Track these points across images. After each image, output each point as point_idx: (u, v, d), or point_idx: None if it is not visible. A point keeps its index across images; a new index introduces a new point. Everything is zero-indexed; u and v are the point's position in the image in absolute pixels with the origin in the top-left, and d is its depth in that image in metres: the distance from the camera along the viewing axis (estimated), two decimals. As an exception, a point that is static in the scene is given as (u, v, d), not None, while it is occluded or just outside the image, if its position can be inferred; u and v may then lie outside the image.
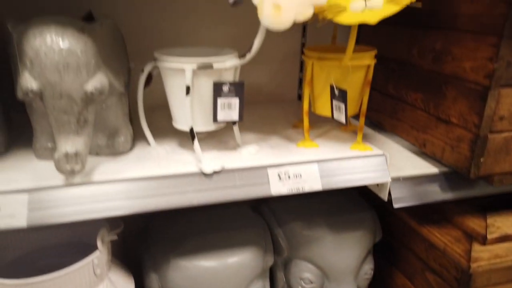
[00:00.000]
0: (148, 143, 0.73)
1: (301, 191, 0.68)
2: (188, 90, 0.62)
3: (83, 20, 0.63)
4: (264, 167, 0.67)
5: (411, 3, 0.57)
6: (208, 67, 0.62)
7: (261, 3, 0.53)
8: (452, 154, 0.76)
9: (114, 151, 0.68)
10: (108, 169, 0.63)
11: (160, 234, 0.82)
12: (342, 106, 0.72)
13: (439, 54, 0.76)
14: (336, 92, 0.73)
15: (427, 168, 0.80)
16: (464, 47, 0.70)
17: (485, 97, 0.67)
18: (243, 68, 0.69)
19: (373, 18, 0.56)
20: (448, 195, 0.79)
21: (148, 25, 0.90)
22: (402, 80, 0.88)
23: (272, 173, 0.67)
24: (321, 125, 0.90)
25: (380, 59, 0.90)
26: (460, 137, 0.73)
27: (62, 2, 0.81)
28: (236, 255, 0.78)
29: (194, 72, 0.62)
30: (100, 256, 0.64)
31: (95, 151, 0.68)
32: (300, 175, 0.69)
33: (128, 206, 0.59)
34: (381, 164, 0.74)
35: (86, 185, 0.59)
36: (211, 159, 0.67)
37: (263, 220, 0.90)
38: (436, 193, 0.79)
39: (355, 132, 0.86)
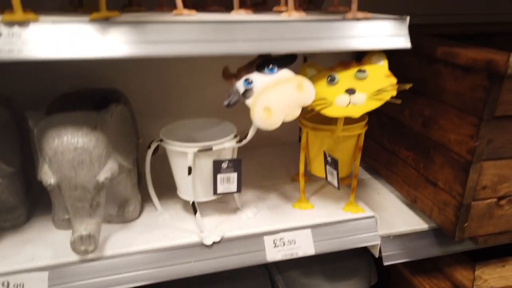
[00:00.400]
0: (156, 207, 0.79)
1: (295, 256, 0.74)
2: (190, 170, 0.68)
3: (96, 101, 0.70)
4: (261, 235, 0.73)
5: (391, 98, 0.62)
6: (208, 149, 0.68)
7: (253, 106, 0.58)
8: (439, 215, 0.80)
9: (124, 220, 0.75)
10: (118, 240, 0.70)
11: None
12: (335, 172, 0.78)
13: (427, 120, 0.81)
14: (329, 159, 0.78)
15: (418, 223, 0.85)
16: (449, 120, 0.74)
17: (467, 170, 0.71)
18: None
19: (356, 113, 0.61)
20: (437, 251, 0.84)
21: (157, 97, 0.98)
22: (395, 136, 0.92)
23: (268, 240, 0.73)
24: (317, 178, 0.95)
25: (375, 111, 0.95)
26: (446, 202, 0.78)
27: (76, 80, 0.87)
28: None
29: (195, 154, 0.68)
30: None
31: (107, 219, 0.75)
32: (294, 241, 0.74)
33: (135, 278, 0.66)
34: (371, 226, 0.79)
35: (99, 260, 0.66)
36: (212, 229, 0.73)
37: (264, 267, 0.96)
38: (426, 249, 0.84)
39: (349, 186, 0.91)
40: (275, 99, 0.58)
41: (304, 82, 0.60)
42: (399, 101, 0.62)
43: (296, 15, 0.60)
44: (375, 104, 0.61)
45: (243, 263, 0.72)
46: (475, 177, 0.72)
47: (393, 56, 0.69)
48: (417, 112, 0.84)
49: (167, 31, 0.55)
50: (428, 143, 0.81)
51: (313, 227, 0.76)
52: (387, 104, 0.98)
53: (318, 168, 0.84)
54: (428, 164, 0.82)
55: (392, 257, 0.81)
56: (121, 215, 0.74)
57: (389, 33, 0.63)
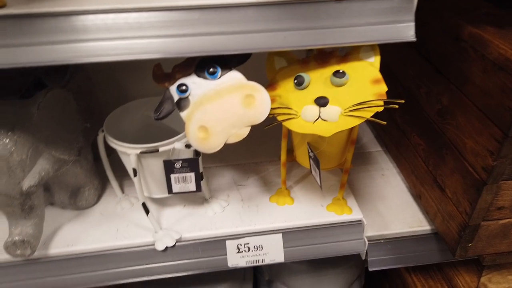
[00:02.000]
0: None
1: (260, 263, 0.66)
2: (135, 172, 0.58)
3: (29, 88, 0.60)
4: (223, 239, 0.65)
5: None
6: (153, 151, 0.57)
7: (187, 123, 0.45)
8: (442, 225, 0.67)
9: (77, 207, 0.69)
10: (66, 234, 0.64)
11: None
12: (317, 170, 0.65)
13: (444, 110, 0.63)
14: (311, 154, 0.64)
15: (418, 224, 0.72)
16: (468, 120, 0.57)
17: (480, 189, 0.56)
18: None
19: (326, 132, 0.46)
20: (435, 258, 0.73)
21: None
22: (408, 116, 0.75)
23: (230, 245, 0.65)
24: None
25: (390, 75, 0.77)
26: (451, 215, 0.64)
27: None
28: (215, 285, 0.81)
29: (140, 155, 0.57)
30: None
31: (61, 205, 0.69)
32: (261, 247, 0.66)
33: (80, 280, 0.62)
34: (356, 232, 0.68)
35: (40, 260, 0.61)
36: (169, 227, 0.65)
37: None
38: (422, 256, 0.73)
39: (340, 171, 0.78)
40: (214, 116, 0.44)
41: (255, 94, 0.44)
42: (383, 122, 0.46)
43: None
44: (351, 122, 0.45)
45: (200, 268, 0.65)
46: (489, 199, 0.57)
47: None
48: (434, 95, 0.66)
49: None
50: (441, 139, 0.64)
51: (285, 231, 0.66)
52: (405, 73, 0.79)
53: (302, 158, 0.71)
54: (438, 162, 0.66)
55: (379, 263, 0.71)
56: (74, 203, 0.68)
57: (384, 19, 0.45)
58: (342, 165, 0.69)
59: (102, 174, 0.70)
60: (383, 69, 0.75)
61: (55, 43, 0.42)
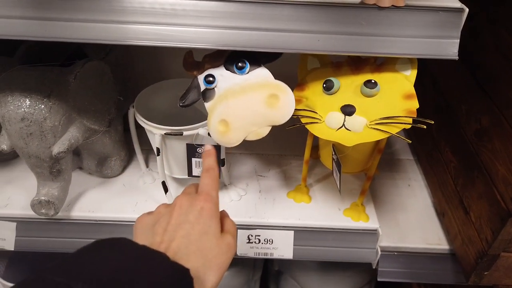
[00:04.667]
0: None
1: (269, 257, 0.66)
2: (158, 151, 0.60)
3: (70, 57, 0.62)
4: (235, 227, 0.66)
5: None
6: (177, 134, 0.58)
7: (210, 114, 0.45)
8: (461, 247, 0.65)
9: (103, 176, 0.72)
10: (89, 200, 0.68)
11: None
12: (338, 174, 0.64)
13: (482, 131, 0.60)
14: (334, 157, 0.63)
15: (437, 242, 0.70)
16: (505, 147, 0.54)
17: (505, 220, 0.54)
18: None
19: (349, 141, 0.45)
20: (448, 280, 0.71)
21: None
22: (445, 129, 0.72)
23: (242, 234, 0.66)
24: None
25: (434, 84, 0.74)
26: (471, 239, 0.62)
27: None
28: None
29: (164, 136, 0.59)
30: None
31: (88, 171, 0.72)
32: (272, 241, 0.66)
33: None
34: (370, 241, 0.67)
35: (63, 221, 0.65)
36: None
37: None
38: (435, 275, 0.71)
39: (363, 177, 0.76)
40: (236, 111, 0.44)
41: (280, 94, 0.44)
42: (408, 141, 0.44)
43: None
44: (375, 136, 0.44)
45: (210, 252, 0.66)
46: (513, 231, 0.54)
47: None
48: (474, 114, 0.62)
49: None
50: (474, 160, 0.61)
51: (297, 229, 0.66)
52: (448, 83, 0.75)
53: (326, 158, 0.70)
54: (467, 184, 0.63)
55: (389, 274, 0.70)
56: (100, 171, 0.71)
57: (427, 33, 0.42)
58: (367, 170, 0.67)
59: (130, 146, 0.72)
60: (427, 77, 0.72)
61: (96, 22, 0.43)
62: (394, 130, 0.43)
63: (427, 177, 0.80)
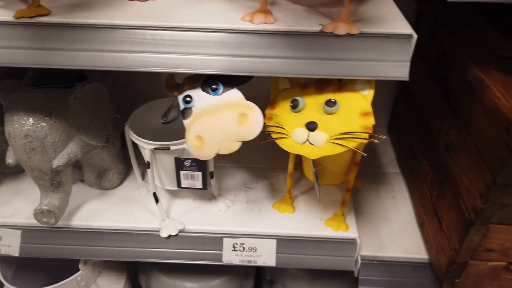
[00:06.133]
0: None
1: (253, 264, 0.71)
2: (148, 165, 0.65)
3: (73, 79, 0.68)
4: (221, 236, 0.70)
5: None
6: (165, 148, 0.63)
7: (187, 130, 0.51)
8: (435, 256, 0.68)
9: (102, 187, 0.77)
10: (88, 210, 0.73)
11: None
12: (317, 186, 0.68)
13: (451, 145, 0.64)
14: (314, 170, 0.68)
15: (417, 251, 0.73)
16: (468, 160, 0.58)
17: (468, 229, 0.57)
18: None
19: (312, 154, 0.49)
20: (427, 288, 0.73)
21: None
22: (424, 144, 0.76)
23: (227, 242, 0.70)
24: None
25: (415, 103, 0.78)
26: (443, 248, 0.65)
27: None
28: (217, 277, 0.87)
29: (154, 151, 0.64)
30: (83, 273, 0.78)
31: (88, 184, 0.78)
32: (255, 249, 0.70)
33: (93, 252, 0.70)
34: (349, 249, 0.71)
35: (63, 229, 0.71)
36: (175, 218, 0.72)
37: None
38: (412, 284, 0.74)
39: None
40: (210, 128, 0.49)
41: (249, 113, 0.49)
42: (365, 154, 0.48)
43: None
44: (335, 150, 0.48)
45: (198, 259, 0.71)
46: (476, 239, 0.57)
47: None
48: (446, 129, 0.66)
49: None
50: (445, 173, 0.65)
51: (280, 238, 0.70)
52: (425, 102, 0.79)
53: (307, 170, 0.74)
54: (440, 195, 0.67)
55: (370, 283, 0.73)
56: (99, 183, 0.76)
57: (380, 57, 0.47)
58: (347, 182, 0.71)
59: (128, 160, 0.78)
60: (409, 99, 0.77)
61: (91, 51, 0.49)
62: (352, 144, 0.48)
63: (410, 189, 0.84)
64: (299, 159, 0.73)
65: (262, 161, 0.87)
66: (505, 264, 0.61)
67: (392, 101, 0.96)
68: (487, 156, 0.52)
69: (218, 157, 0.84)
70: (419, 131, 0.78)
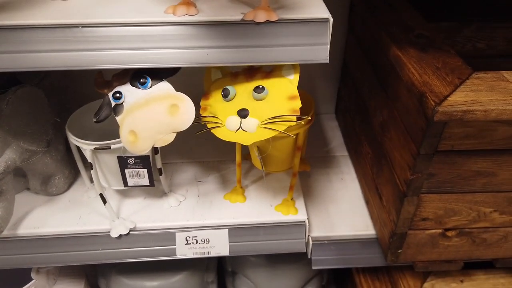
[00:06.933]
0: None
1: (207, 255, 0.72)
2: (91, 166, 0.65)
3: (5, 84, 0.66)
4: (173, 231, 0.71)
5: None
6: (106, 148, 0.63)
7: (120, 127, 0.51)
8: (380, 231, 0.72)
9: (48, 194, 0.76)
10: (35, 217, 0.72)
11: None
12: (263, 172, 0.70)
13: (384, 123, 0.67)
14: (259, 157, 0.69)
15: (365, 228, 0.76)
16: (397, 135, 0.61)
17: (402, 200, 0.60)
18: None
19: (246, 140, 0.51)
20: (377, 262, 0.77)
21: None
22: (363, 125, 0.79)
23: (180, 236, 0.71)
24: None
25: (350, 78, 0.81)
26: (385, 222, 0.68)
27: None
28: (177, 273, 0.87)
29: (95, 151, 0.64)
30: (37, 282, 0.77)
31: (34, 191, 0.76)
32: (208, 240, 0.71)
33: (43, 260, 0.69)
34: (299, 232, 0.73)
35: (10, 239, 0.69)
36: (126, 217, 0.72)
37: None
38: (365, 259, 0.77)
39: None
40: (142, 122, 0.50)
41: (179, 103, 0.50)
42: (292, 135, 0.50)
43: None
44: (267, 134, 0.50)
45: (151, 256, 0.71)
46: (411, 210, 0.61)
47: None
48: (378, 108, 0.69)
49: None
50: (381, 150, 0.68)
51: (231, 227, 0.71)
52: (363, 84, 0.83)
53: (255, 159, 0.75)
54: (379, 172, 0.70)
55: (322, 262, 0.76)
56: (45, 189, 0.75)
57: (301, 41, 0.49)
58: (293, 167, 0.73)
59: (75, 164, 0.77)
60: (350, 83, 0.79)
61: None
62: (282, 127, 0.50)
63: (356, 170, 0.87)
64: (247, 149, 0.75)
65: (213, 154, 0.88)
66: (441, 231, 0.64)
67: (336, 88, 0.99)
68: (411, 129, 0.55)
69: (169, 154, 0.86)
70: (359, 113, 0.81)
